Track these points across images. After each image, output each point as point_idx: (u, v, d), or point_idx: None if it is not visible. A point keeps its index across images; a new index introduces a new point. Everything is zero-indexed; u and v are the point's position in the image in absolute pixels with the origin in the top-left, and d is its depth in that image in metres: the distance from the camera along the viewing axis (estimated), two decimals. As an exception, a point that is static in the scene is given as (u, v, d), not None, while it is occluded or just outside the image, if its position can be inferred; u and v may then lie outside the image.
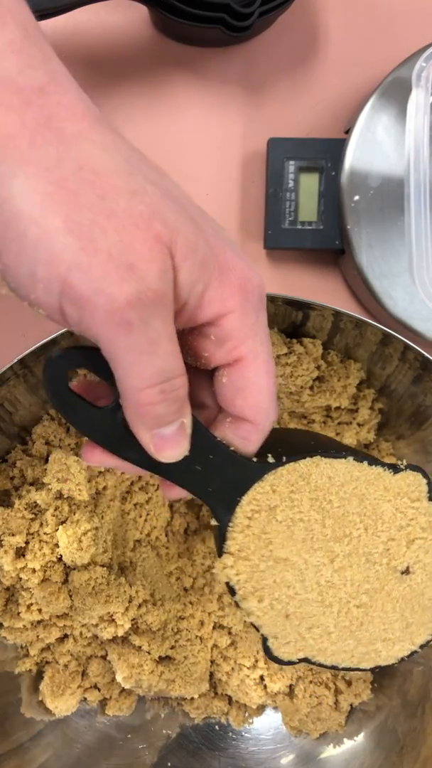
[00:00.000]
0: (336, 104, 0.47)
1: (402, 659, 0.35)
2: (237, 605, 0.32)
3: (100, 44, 0.46)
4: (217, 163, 0.47)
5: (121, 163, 0.23)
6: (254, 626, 0.33)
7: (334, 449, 0.32)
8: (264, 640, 0.33)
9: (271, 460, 0.31)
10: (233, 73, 0.47)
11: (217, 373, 0.28)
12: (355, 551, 0.32)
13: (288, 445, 0.33)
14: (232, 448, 0.30)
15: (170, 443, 0.27)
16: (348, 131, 0.44)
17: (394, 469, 0.32)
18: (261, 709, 0.48)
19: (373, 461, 0.32)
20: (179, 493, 0.31)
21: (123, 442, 0.28)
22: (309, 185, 0.45)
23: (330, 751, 0.47)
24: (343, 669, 0.34)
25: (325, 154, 0.44)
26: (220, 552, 0.31)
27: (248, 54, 0.47)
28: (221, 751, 0.47)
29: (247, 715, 0.48)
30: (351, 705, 0.47)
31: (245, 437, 0.29)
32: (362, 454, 0.33)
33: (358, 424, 0.46)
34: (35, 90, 0.22)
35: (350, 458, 0.32)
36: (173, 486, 0.30)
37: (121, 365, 0.24)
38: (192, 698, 0.47)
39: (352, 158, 0.43)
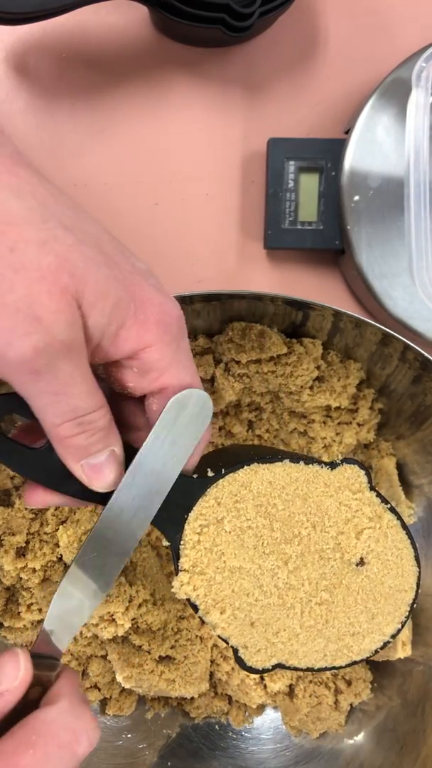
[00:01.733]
0: (336, 104, 0.47)
1: (376, 651, 0.35)
2: (202, 621, 0.33)
3: (100, 44, 0.46)
4: (217, 163, 0.47)
5: (34, 209, 0.24)
6: (223, 640, 0.33)
7: (269, 455, 0.33)
8: (235, 651, 0.33)
9: (210, 474, 0.32)
10: (233, 73, 0.47)
11: (147, 401, 0.30)
12: (307, 550, 0.33)
13: (227, 459, 0.34)
14: None
15: (101, 472, 0.28)
16: (348, 131, 0.44)
17: (331, 465, 0.33)
18: (261, 708, 0.48)
19: (310, 460, 0.33)
20: None
21: (62, 478, 0.29)
22: (309, 185, 0.45)
23: (330, 751, 0.47)
24: (319, 670, 0.34)
25: (325, 154, 0.45)
26: (176, 570, 0.32)
27: (248, 54, 0.47)
28: (221, 750, 0.47)
29: (247, 714, 0.48)
30: (351, 705, 0.47)
31: None
32: (297, 455, 0.33)
33: (358, 424, 0.46)
34: None
35: (286, 461, 0.33)
36: None
37: (37, 406, 0.25)
38: (192, 698, 0.47)
39: (352, 158, 0.43)
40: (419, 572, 0.35)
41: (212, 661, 0.46)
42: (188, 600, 0.32)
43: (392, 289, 0.43)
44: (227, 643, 0.33)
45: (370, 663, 0.47)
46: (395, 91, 0.42)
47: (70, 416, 0.26)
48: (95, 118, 0.47)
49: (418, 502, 0.47)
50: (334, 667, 0.35)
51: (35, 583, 0.42)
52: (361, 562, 0.34)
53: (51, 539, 0.42)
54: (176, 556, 0.32)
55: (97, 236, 0.26)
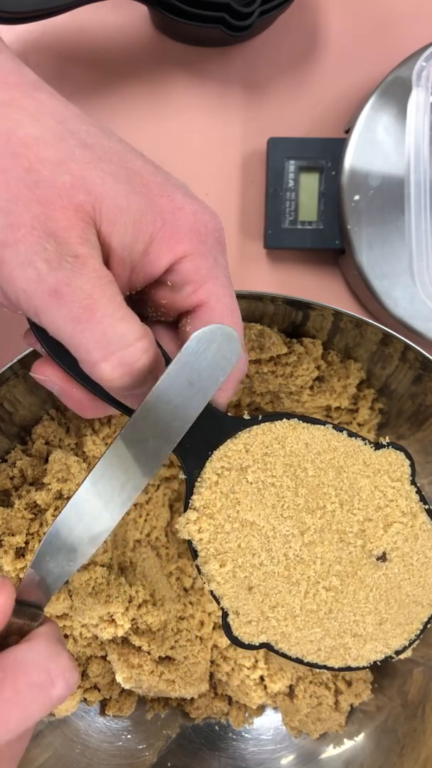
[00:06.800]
0: (336, 104, 0.47)
1: (375, 663, 0.32)
2: (198, 570, 0.30)
3: (101, 44, 0.46)
4: (217, 163, 0.47)
5: (51, 130, 0.23)
6: (215, 598, 0.30)
7: (313, 418, 0.31)
8: (224, 615, 0.30)
9: (246, 416, 0.30)
10: (233, 73, 0.47)
11: (181, 324, 0.28)
12: (328, 526, 0.30)
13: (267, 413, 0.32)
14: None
15: (139, 398, 0.26)
16: (348, 131, 0.44)
17: (376, 445, 0.31)
18: (261, 709, 0.48)
19: (353, 434, 0.31)
20: None
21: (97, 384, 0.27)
22: (309, 185, 0.45)
23: (330, 752, 0.47)
24: (309, 665, 0.31)
25: (325, 153, 0.44)
26: (185, 507, 0.30)
27: (248, 54, 0.47)
28: (221, 751, 0.47)
29: (247, 715, 0.48)
30: (351, 705, 0.47)
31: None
32: (342, 427, 0.31)
33: (358, 424, 0.46)
34: None
35: (329, 426, 0.30)
36: None
37: (67, 341, 0.24)
38: (192, 699, 0.47)
39: (352, 158, 0.43)
40: None
41: (212, 662, 0.46)
42: (189, 543, 0.30)
43: (393, 288, 0.43)
44: (218, 603, 0.30)
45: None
46: (395, 90, 0.42)
47: (103, 350, 0.23)
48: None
49: (418, 502, 0.47)
50: (325, 667, 0.31)
51: (35, 584, 0.42)
52: (383, 558, 0.31)
53: (51, 539, 0.42)
54: (189, 492, 0.30)
55: (123, 152, 0.25)
